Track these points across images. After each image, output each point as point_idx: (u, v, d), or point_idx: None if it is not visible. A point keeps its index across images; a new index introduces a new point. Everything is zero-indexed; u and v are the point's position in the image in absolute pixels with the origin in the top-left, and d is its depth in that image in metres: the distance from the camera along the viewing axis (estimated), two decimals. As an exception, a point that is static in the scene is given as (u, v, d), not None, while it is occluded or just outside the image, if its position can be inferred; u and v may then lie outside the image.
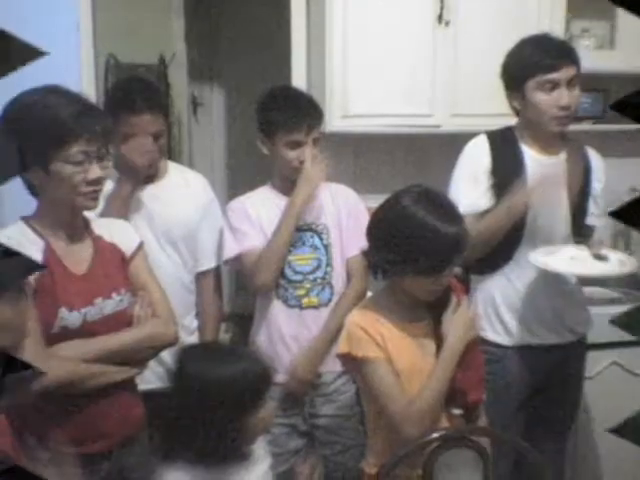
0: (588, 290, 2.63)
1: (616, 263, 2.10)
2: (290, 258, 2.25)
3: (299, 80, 2.91)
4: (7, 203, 2.47)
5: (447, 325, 1.72)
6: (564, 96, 2.12)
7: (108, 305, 1.72)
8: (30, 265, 0.86)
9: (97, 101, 2.24)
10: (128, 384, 1.78)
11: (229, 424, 1.43)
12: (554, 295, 2.24)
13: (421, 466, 1.59)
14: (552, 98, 2.12)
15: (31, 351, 1.50)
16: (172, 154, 3.93)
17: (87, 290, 1.70)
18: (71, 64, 2.58)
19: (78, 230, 1.75)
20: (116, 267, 1.79)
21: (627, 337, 2.81)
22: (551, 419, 2.38)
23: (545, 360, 2.27)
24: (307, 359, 2.25)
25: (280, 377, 2.21)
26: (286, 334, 2.27)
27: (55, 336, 1.63)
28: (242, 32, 4.96)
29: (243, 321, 2.91)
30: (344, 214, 2.33)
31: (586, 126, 3.03)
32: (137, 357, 1.76)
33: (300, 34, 2.92)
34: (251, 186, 2.40)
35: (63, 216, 1.70)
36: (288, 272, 2.26)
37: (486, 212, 2.16)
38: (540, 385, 2.31)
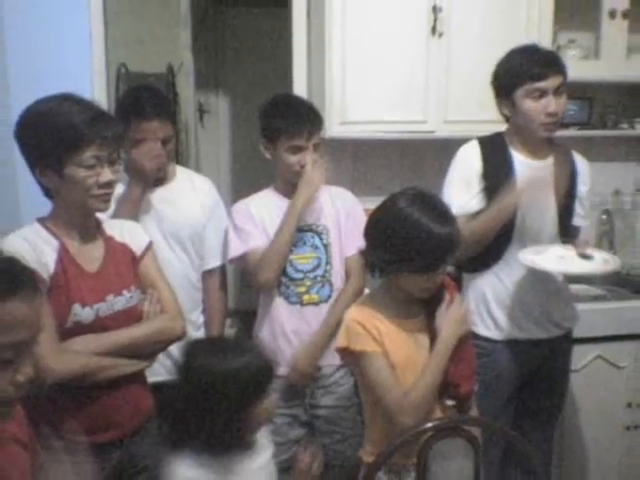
0: (574, 287, 2.63)
1: (600, 262, 2.10)
2: (291, 257, 2.25)
3: (300, 88, 2.91)
4: (23, 205, 2.47)
5: (440, 320, 1.72)
6: (551, 103, 2.11)
7: (119, 302, 1.72)
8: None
9: (108, 108, 2.24)
10: (138, 377, 1.78)
11: (234, 415, 1.43)
12: (542, 292, 2.24)
13: (416, 454, 1.58)
14: (540, 105, 2.12)
15: (46, 345, 1.50)
16: (180, 158, 3.93)
17: (99, 287, 1.69)
18: (84, 73, 2.58)
19: (91, 230, 1.75)
20: (126, 266, 1.78)
21: (611, 332, 2.80)
22: (539, 410, 2.37)
23: (533, 354, 2.27)
24: (308, 353, 2.25)
25: (282, 370, 2.21)
26: (288, 329, 2.27)
27: (68, 331, 1.63)
28: (246, 43, 4.96)
29: (247, 317, 2.91)
30: (343, 215, 2.33)
31: (572, 132, 3.03)
32: (147, 351, 1.75)
33: (301, 45, 2.92)
34: (255, 189, 2.40)
35: (76, 217, 1.70)
36: (290, 270, 2.25)
37: (477, 214, 2.16)
38: (528, 377, 2.31)
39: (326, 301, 2.27)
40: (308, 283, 2.27)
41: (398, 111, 2.73)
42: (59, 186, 1.64)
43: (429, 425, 1.57)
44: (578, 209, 2.30)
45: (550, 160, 2.23)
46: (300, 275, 2.26)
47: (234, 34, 5.00)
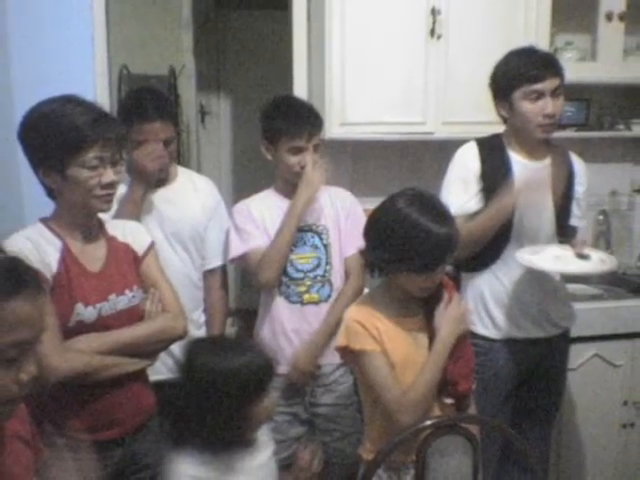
0: (571, 287, 2.63)
1: (597, 262, 2.10)
2: (292, 257, 2.25)
3: (300, 90, 2.91)
4: (27, 205, 2.47)
5: (439, 320, 1.72)
6: (549, 105, 2.11)
7: (121, 301, 1.72)
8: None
9: (111, 110, 2.24)
10: (140, 375, 1.78)
11: (235, 413, 1.43)
12: (539, 292, 2.24)
13: (415, 452, 1.58)
14: (537, 107, 2.12)
15: (49, 344, 1.50)
16: (181, 159, 3.93)
17: (101, 287, 1.69)
18: (86, 75, 2.57)
19: (93, 231, 1.75)
20: (129, 265, 1.78)
21: (608, 331, 2.81)
22: (536, 408, 2.37)
23: (531, 352, 2.27)
24: (308, 352, 2.25)
25: (282, 368, 2.21)
26: (288, 328, 2.27)
27: (71, 330, 1.63)
28: (247, 45, 4.97)
29: (248, 316, 2.91)
30: (342, 216, 2.33)
31: (569, 133, 3.03)
32: (148, 350, 1.75)
33: (301, 47, 2.92)
34: (255, 189, 2.40)
35: (79, 218, 1.70)
36: (290, 270, 2.25)
37: (475, 214, 2.16)
38: (526, 376, 2.31)
39: (326, 300, 2.27)
40: (308, 283, 2.27)
41: (397, 112, 2.73)
42: (62, 187, 1.64)
43: (428, 423, 1.57)
44: (575, 209, 2.29)
45: (547, 161, 2.23)
46: (300, 275, 2.26)
47: (235, 36, 5.00)
